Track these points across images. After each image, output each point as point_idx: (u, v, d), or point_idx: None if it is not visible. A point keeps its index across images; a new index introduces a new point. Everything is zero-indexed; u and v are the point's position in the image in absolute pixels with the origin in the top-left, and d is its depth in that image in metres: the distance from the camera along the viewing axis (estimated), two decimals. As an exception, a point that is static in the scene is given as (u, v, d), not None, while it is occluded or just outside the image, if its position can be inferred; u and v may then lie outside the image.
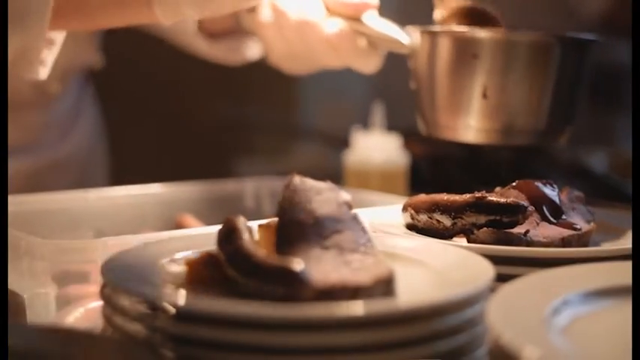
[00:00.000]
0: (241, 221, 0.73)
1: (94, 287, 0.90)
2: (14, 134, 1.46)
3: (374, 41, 1.18)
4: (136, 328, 0.67)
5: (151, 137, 2.14)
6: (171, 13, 0.99)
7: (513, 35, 1.11)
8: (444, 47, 1.12)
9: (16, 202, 1.18)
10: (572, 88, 1.15)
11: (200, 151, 2.24)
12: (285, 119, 2.38)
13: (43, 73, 1.03)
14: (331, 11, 1.18)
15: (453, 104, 1.14)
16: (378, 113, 1.65)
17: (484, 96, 1.11)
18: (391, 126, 1.65)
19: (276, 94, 2.34)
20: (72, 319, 0.89)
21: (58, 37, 1.03)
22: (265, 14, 1.23)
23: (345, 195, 0.78)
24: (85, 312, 0.91)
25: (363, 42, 1.18)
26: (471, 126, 1.13)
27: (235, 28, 1.36)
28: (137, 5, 1.00)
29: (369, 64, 1.21)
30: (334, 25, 1.16)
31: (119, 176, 1.66)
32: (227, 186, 1.39)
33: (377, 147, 1.61)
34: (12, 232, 0.94)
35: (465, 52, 1.10)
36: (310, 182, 0.78)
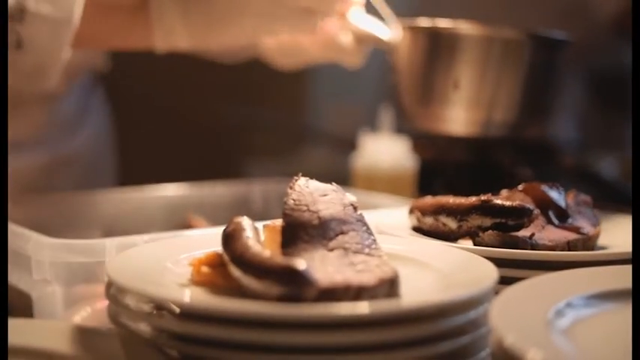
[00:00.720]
0: (246, 221, 0.74)
1: (101, 287, 0.90)
2: (19, 130, 1.48)
3: (358, 37, 1.22)
4: (141, 327, 0.67)
5: (159, 138, 2.15)
6: (167, 45, 1.09)
7: (487, 31, 1.16)
8: (422, 41, 1.19)
9: (25, 202, 1.19)
10: (543, 83, 1.20)
11: (209, 153, 2.24)
12: (294, 122, 2.38)
13: (54, 82, 1.06)
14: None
15: (428, 96, 1.20)
16: (386, 116, 1.65)
17: (456, 87, 1.17)
18: (400, 129, 1.65)
19: (284, 96, 2.34)
20: (79, 319, 0.89)
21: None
22: None
23: (350, 196, 0.78)
24: (92, 311, 0.91)
25: (348, 38, 1.22)
26: (445, 117, 1.20)
27: None
28: (139, 39, 1.10)
29: (354, 59, 1.25)
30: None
31: (128, 176, 1.67)
32: (236, 187, 1.39)
33: (385, 150, 1.61)
34: (20, 231, 0.95)
35: (440, 46, 1.17)
36: (315, 183, 0.78)
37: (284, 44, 1.28)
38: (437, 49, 1.18)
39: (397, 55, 1.23)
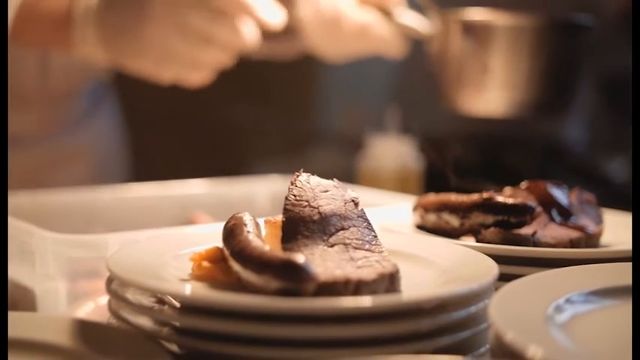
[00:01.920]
0: (247, 217, 0.74)
1: (103, 283, 0.90)
2: (30, 126, 1.50)
3: (400, 30, 1.35)
4: (141, 321, 0.68)
5: (169, 137, 2.16)
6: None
7: (516, 21, 1.29)
8: (458, 32, 1.31)
9: (29, 198, 1.20)
10: (569, 65, 1.33)
11: (217, 152, 2.25)
12: (301, 122, 2.39)
13: None
14: (362, 1, 1.35)
15: (464, 81, 1.32)
16: (392, 117, 1.65)
17: (488, 72, 1.29)
18: (406, 129, 1.65)
19: (292, 97, 2.35)
20: (82, 314, 0.89)
21: None
22: (304, 10, 1.38)
23: (351, 192, 0.78)
24: (95, 307, 0.91)
25: (390, 30, 1.34)
26: (481, 100, 1.33)
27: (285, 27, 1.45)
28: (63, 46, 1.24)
29: (396, 52, 1.37)
30: (365, 15, 1.33)
31: (137, 174, 1.68)
32: (242, 185, 1.40)
33: (391, 151, 1.61)
34: (24, 227, 0.95)
35: (474, 36, 1.29)
36: (317, 179, 0.78)
37: (330, 38, 1.39)
38: (471, 38, 1.30)
39: (435, 45, 1.34)
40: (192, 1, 1.18)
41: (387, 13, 1.35)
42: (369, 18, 1.34)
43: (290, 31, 1.43)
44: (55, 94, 1.55)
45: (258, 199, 1.37)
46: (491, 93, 1.31)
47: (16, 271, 0.96)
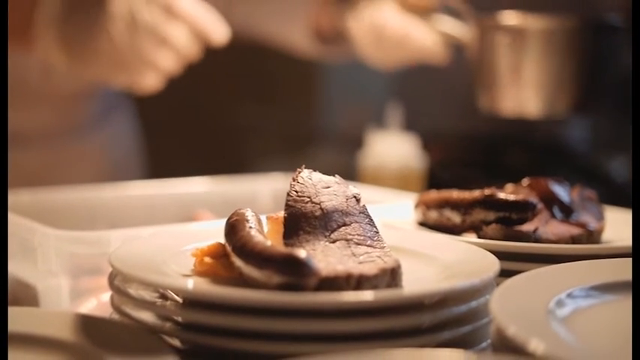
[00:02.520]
0: (249, 212, 0.74)
1: (105, 279, 0.91)
2: (34, 124, 1.52)
3: (442, 38, 1.45)
4: (144, 316, 0.68)
5: (171, 137, 2.16)
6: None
7: (547, 24, 1.36)
8: (494, 35, 1.39)
9: (31, 195, 1.20)
10: (601, 66, 1.39)
11: (221, 151, 2.25)
12: (303, 120, 2.39)
13: None
14: (407, 6, 1.47)
15: (500, 83, 1.39)
16: (394, 114, 1.65)
17: (524, 74, 1.37)
18: (409, 127, 1.65)
19: (294, 96, 2.35)
20: (84, 310, 0.90)
21: None
22: (353, 21, 1.52)
23: (353, 189, 0.78)
24: (97, 303, 0.92)
25: (431, 38, 1.45)
26: (517, 100, 1.40)
27: (340, 33, 1.61)
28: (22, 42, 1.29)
29: (439, 58, 1.47)
30: (407, 26, 1.46)
31: (143, 173, 1.68)
32: (245, 183, 1.40)
33: (393, 148, 1.61)
34: (26, 224, 0.95)
35: (510, 38, 1.37)
36: (318, 175, 0.78)
37: (375, 48, 1.51)
38: (506, 42, 1.38)
39: (472, 49, 1.42)
40: (148, 5, 1.25)
41: (426, 20, 1.46)
42: (411, 28, 1.45)
43: (343, 37, 1.58)
44: (61, 94, 1.57)
45: (260, 197, 1.37)
46: (526, 95, 1.38)
47: (18, 268, 0.96)
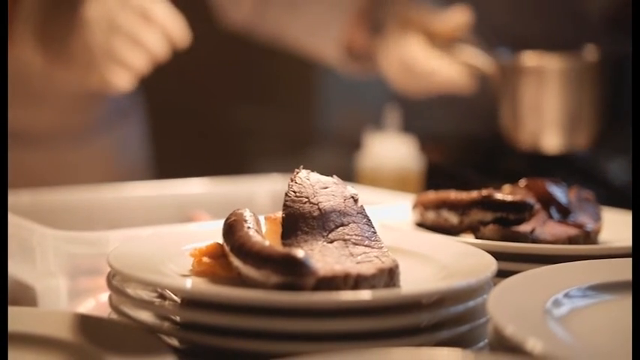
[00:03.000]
0: (247, 213, 0.74)
1: (104, 280, 0.91)
2: (41, 123, 1.54)
3: (466, 68, 1.52)
4: (142, 315, 0.68)
5: (171, 137, 2.17)
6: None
7: (565, 63, 1.45)
8: (517, 75, 1.48)
9: (29, 196, 1.20)
10: (617, 95, 1.48)
11: (217, 153, 2.26)
12: (301, 122, 2.39)
13: None
14: (433, 37, 1.54)
15: (520, 117, 1.48)
16: (392, 116, 1.65)
17: (542, 110, 1.46)
18: (406, 128, 1.66)
19: (292, 97, 2.35)
20: (83, 311, 0.90)
21: None
22: (385, 56, 1.59)
23: (351, 189, 0.79)
24: (95, 303, 0.92)
25: (456, 70, 1.52)
26: (537, 135, 1.49)
27: (369, 52, 1.67)
28: None
29: (462, 89, 1.54)
30: (435, 62, 1.53)
31: (149, 173, 1.69)
32: (242, 184, 1.40)
33: (391, 150, 1.61)
34: (24, 224, 0.95)
35: (527, 78, 1.46)
36: (316, 176, 0.79)
37: (406, 80, 1.59)
38: (524, 80, 1.47)
39: (494, 82, 1.51)
40: (122, 8, 1.32)
41: (451, 50, 1.53)
42: (437, 62, 1.53)
43: (371, 57, 1.66)
44: (69, 94, 1.59)
45: (258, 198, 1.37)
46: (546, 130, 1.46)
47: (16, 268, 0.96)
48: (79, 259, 0.91)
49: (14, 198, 1.17)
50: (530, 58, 1.48)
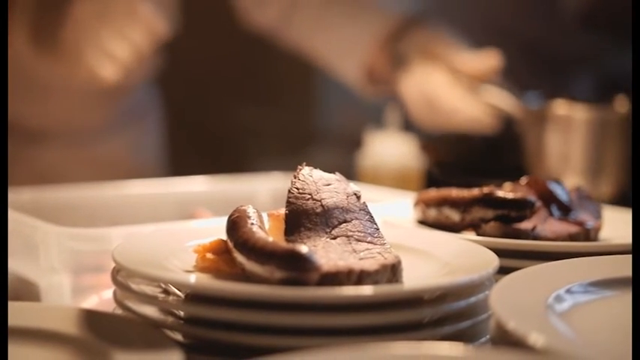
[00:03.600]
0: (251, 209, 0.74)
1: (106, 276, 0.91)
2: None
3: (491, 108, 1.52)
4: (147, 310, 0.68)
5: (179, 137, 2.17)
6: None
7: (592, 113, 1.47)
8: (544, 121, 1.49)
9: (31, 194, 1.20)
10: None
11: (219, 151, 2.26)
12: (302, 121, 2.39)
13: None
14: (460, 75, 1.52)
15: (545, 164, 1.51)
16: (393, 115, 1.66)
17: (569, 160, 1.48)
18: (409, 128, 1.66)
19: (292, 96, 2.35)
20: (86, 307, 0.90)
21: None
22: (406, 87, 1.58)
23: (353, 186, 0.79)
24: (99, 300, 0.92)
25: (479, 110, 1.51)
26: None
27: (389, 78, 1.66)
28: None
29: (485, 129, 1.54)
30: (457, 100, 1.52)
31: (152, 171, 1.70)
32: (243, 182, 1.40)
33: (391, 148, 1.62)
34: (28, 221, 0.96)
35: (560, 126, 1.48)
36: (319, 173, 0.79)
37: (425, 115, 1.58)
38: (551, 128, 1.50)
39: (523, 125, 1.53)
40: (109, 2, 1.39)
41: (477, 90, 1.51)
42: (460, 100, 1.52)
43: (390, 82, 1.65)
44: (75, 91, 1.61)
45: (259, 196, 1.38)
46: (570, 176, 1.47)
47: (20, 265, 0.97)
48: (82, 256, 0.91)
49: (17, 195, 1.17)
50: (560, 107, 1.49)
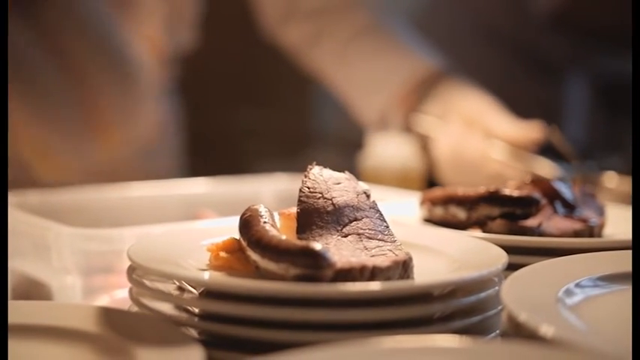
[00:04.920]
0: (262, 208, 0.76)
1: (118, 277, 0.92)
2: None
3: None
4: (162, 307, 0.70)
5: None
6: None
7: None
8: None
9: (37, 196, 1.21)
10: None
11: (223, 154, 2.27)
12: (303, 123, 2.40)
13: None
14: (499, 137, 1.45)
15: None
16: (394, 115, 1.66)
17: None
18: (408, 128, 1.67)
19: (294, 98, 2.36)
20: (98, 307, 0.91)
21: None
22: (441, 148, 1.54)
23: (363, 185, 0.80)
24: (110, 300, 0.93)
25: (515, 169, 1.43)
26: None
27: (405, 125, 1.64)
28: None
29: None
30: (496, 167, 1.44)
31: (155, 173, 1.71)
32: (246, 184, 1.42)
33: (393, 149, 1.62)
34: (40, 223, 0.97)
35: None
36: (329, 172, 0.80)
37: (459, 176, 1.52)
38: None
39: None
40: None
41: (522, 158, 1.44)
42: (501, 170, 1.44)
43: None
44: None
45: (263, 197, 1.39)
46: None
47: (31, 266, 0.98)
48: (93, 257, 0.92)
49: (21, 198, 1.18)
50: (611, 179, 1.45)
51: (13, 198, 1.14)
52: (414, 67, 1.62)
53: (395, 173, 1.61)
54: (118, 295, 0.92)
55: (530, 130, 1.46)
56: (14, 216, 1.02)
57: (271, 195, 1.39)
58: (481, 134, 1.48)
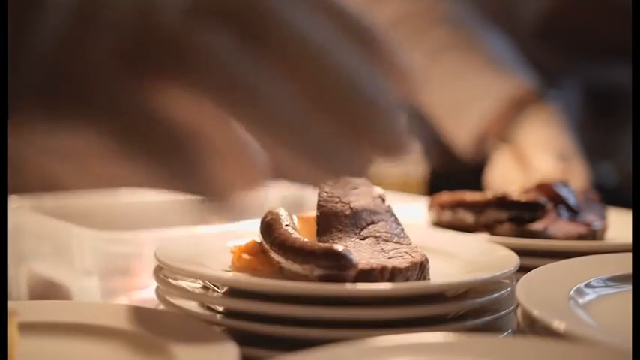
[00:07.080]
0: (282, 212, 0.79)
1: (137, 279, 0.95)
2: None
3: None
4: (189, 304, 0.72)
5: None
6: None
7: None
8: None
9: (45, 200, 1.23)
10: None
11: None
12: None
13: None
14: (535, 170, 1.36)
15: None
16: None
17: None
18: (411, 132, 1.69)
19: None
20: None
21: None
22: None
23: (378, 189, 0.84)
24: (129, 302, 0.96)
25: None
26: None
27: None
28: None
29: None
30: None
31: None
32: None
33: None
34: (60, 225, 0.99)
35: None
36: (346, 178, 0.83)
37: None
38: None
39: None
40: None
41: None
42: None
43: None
44: None
45: (269, 203, 1.41)
46: None
47: (49, 268, 1.00)
48: (113, 259, 0.95)
49: (37, 202, 1.20)
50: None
51: (27, 201, 1.16)
52: (513, 82, 1.49)
53: (396, 178, 1.63)
54: (137, 296, 0.95)
55: (572, 172, 1.38)
56: (32, 218, 1.05)
57: (276, 201, 1.41)
58: (522, 169, 1.41)
